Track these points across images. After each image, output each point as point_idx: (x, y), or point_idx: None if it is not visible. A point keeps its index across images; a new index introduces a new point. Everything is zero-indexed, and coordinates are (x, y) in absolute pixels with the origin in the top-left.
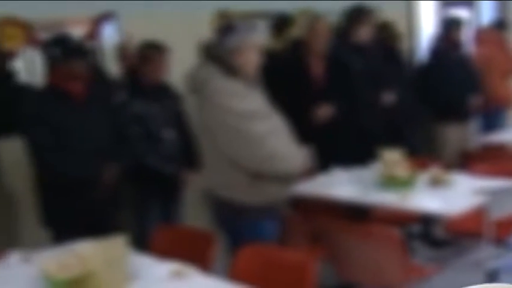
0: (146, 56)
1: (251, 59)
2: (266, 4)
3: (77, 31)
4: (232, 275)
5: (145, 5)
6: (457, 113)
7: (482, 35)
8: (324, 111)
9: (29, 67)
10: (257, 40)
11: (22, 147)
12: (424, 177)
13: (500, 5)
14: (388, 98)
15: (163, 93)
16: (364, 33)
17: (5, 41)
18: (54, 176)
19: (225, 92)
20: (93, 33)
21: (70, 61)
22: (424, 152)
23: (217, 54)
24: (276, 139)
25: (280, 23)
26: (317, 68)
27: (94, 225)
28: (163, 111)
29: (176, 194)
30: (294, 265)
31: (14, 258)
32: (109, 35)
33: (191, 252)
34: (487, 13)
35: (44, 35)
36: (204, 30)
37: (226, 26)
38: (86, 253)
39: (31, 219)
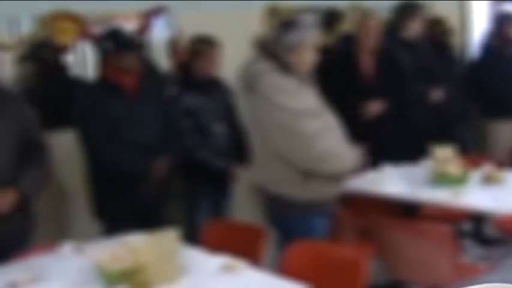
0: (197, 51)
1: (307, 57)
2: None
3: (128, 25)
4: (282, 270)
5: (196, 1)
6: (510, 110)
7: None
8: (375, 107)
9: (82, 61)
10: (315, 38)
11: (74, 141)
12: (476, 175)
13: None
14: (437, 94)
15: (215, 88)
16: (414, 29)
17: (58, 35)
18: (106, 169)
19: (278, 88)
20: (144, 27)
21: (122, 54)
22: (475, 150)
23: (273, 50)
24: (328, 138)
25: (331, 18)
26: (368, 64)
27: (145, 218)
28: (214, 105)
29: (226, 188)
30: (346, 262)
31: (67, 249)
32: (160, 30)
33: (241, 246)
34: None
35: (96, 29)
36: (254, 26)
37: (287, 21)
38: (138, 245)
39: (83, 212)
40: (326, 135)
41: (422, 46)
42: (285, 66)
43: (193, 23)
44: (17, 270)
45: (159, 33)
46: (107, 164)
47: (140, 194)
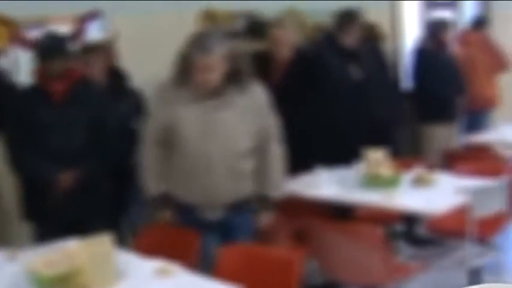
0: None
1: (195, 76)
2: (253, 4)
3: (63, 29)
4: (216, 272)
5: (132, 4)
6: (444, 113)
7: (465, 36)
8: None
9: (15, 66)
10: (201, 59)
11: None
12: (407, 177)
13: (482, 3)
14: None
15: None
16: (353, 36)
17: None
18: (22, 175)
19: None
20: (79, 31)
21: (49, 60)
22: (409, 153)
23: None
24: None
25: (256, 25)
26: (279, 73)
27: (74, 224)
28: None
29: None
30: (279, 263)
31: None
32: (95, 34)
33: (176, 250)
34: (469, 13)
35: (30, 34)
36: (190, 28)
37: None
38: (72, 250)
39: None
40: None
41: (365, 53)
42: (181, 79)
43: (129, 26)
44: None
45: (94, 37)
46: (21, 171)
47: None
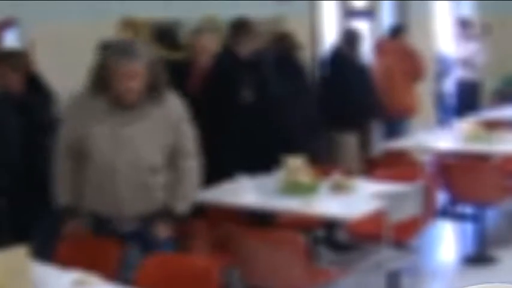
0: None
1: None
2: (172, 12)
3: None
4: (137, 283)
5: (49, 12)
6: (354, 121)
7: (382, 44)
8: None
9: None
10: (119, 66)
11: None
12: (326, 183)
13: (398, 12)
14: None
15: None
16: (249, 46)
17: None
18: None
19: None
20: None
21: None
22: (327, 160)
23: None
24: None
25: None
26: (196, 83)
27: None
28: None
29: None
30: (199, 271)
31: None
32: (11, 42)
33: (95, 260)
34: (387, 21)
35: None
36: (109, 36)
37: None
38: None
39: None
40: None
41: (265, 62)
42: (96, 89)
43: (46, 34)
44: None
45: (10, 45)
46: None
47: None
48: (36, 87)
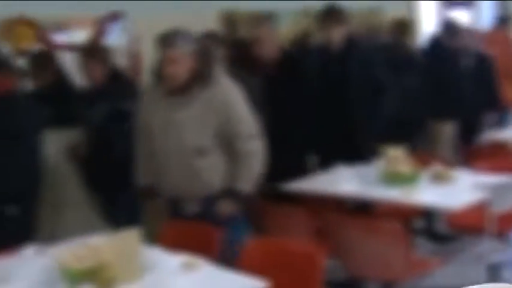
0: None
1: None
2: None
3: (83, 32)
4: (240, 266)
5: (154, 4)
6: (455, 111)
7: (490, 35)
8: None
9: None
10: (169, 54)
11: None
12: (426, 173)
13: (501, 3)
14: None
15: None
16: (338, 37)
17: (16, 40)
18: None
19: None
20: (100, 33)
21: None
22: (424, 149)
23: None
24: None
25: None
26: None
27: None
28: None
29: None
30: (303, 258)
31: (30, 250)
32: (117, 35)
33: (198, 244)
34: (487, 13)
35: (55, 37)
36: (212, 28)
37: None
38: (100, 245)
39: None
40: None
41: (365, 51)
42: (155, 77)
43: (151, 27)
44: None
45: (116, 39)
46: None
47: None
48: (117, 79)
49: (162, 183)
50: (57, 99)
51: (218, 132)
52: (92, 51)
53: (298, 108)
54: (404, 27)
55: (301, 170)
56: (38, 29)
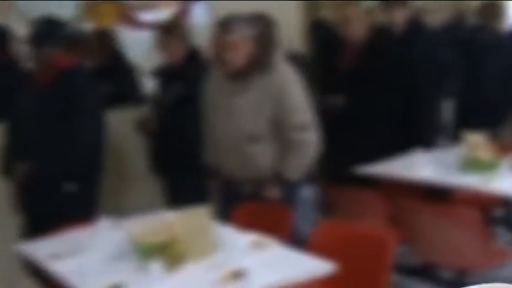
0: None
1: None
2: None
3: (167, 11)
4: (310, 247)
5: None
6: None
7: None
8: (335, 101)
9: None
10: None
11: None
12: (507, 161)
13: None
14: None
15: None
16: (399, 17)
17: (98, 18)
18: None
19: None
20: (183, 12)
21: (38, 47)
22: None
23: None
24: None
25: None
26: (347, 56)
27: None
28: None
29: None
30: (373, 242)
31: (105, 223)
32: (200, 16)
33: (269, 224)
34: None
35: (141, 16)
36: (291, 14)
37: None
38: (172, 220)
39: None
40: None
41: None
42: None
43: (234, 9)
44: (57, 243)
45: (200, 19)
46: None
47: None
48: (194, 59)
49: (219, 164)
50: (114, 77)
51: (272, 120)
52: (170, 29)
53: (375, 91)
54: (493, 10)
55: (373, 154)
56: (123, 8)
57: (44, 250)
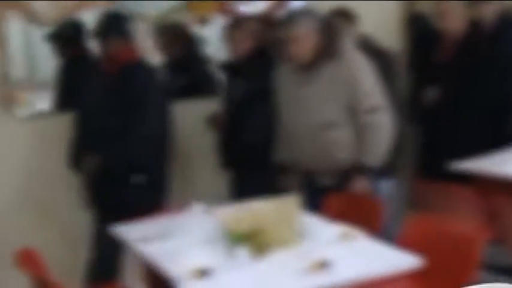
0: None
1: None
2: None
3: (265, 2)
4: (399, 241)
5: None
6: None
7: None
8: (430, 92)
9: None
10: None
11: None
12: None
13: None
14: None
15: None
16: (487, 12)
17: (199, 11)
18: None
19: None
20: (277, 5)
21: (104, 40)
22: None
23: None
24: None
25: None
26: (445, 51)
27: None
28: None
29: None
30: (462, 237)
31: (197, 209)
32: (298, 4)
33: (360, 217)
34: None
35: (234, 6)
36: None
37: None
38: (260, 209)
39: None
40: None
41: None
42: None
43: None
44: (150, 227)
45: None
46: None
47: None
48: (261, 54)
49: (294, 158)
50: (188, 70)
51: (345, 107)
52: (237, 24)
53: (471, 85)
54: None
55: (465, 149)
56: (223, 1)
57: (137, 233)
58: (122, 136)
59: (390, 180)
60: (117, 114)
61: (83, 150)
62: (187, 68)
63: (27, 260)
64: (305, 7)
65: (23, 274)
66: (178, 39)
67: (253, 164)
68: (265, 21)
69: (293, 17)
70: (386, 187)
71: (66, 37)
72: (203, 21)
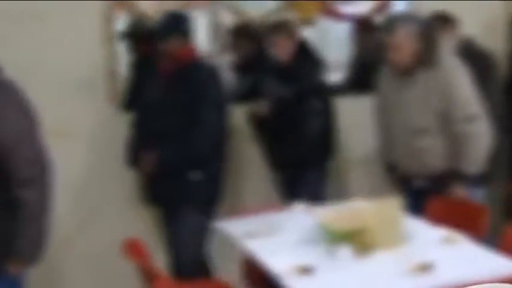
0: None
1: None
2: None
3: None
4: (502, 248)
5: None
6: None
7: None
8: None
9: (324, 38)
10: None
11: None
12: None
13: None
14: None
15: None
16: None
17: (304, 11)
18: None
19: None
20: (383, 4)
21: (163, 40)
22: None
23: None
24: None
25: None
26: None
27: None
28: None
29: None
30: None
31: (298, 208)
32: (401, 5)
33: (463, 222)
34: None
35: (338, 7)
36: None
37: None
38: (362, 209)
39: None
40: None
41: None
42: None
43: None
44: (253, 223)
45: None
46: None
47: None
48: (305, 55)
49: (393, 159)
50: (252, 71)
51: (439, 113)
52: (280, 27)
53: None
54: None
55: None
56: (325, 1)
57: (241, 229)
58: (182, 135)
59: (484, 188)
60: (177, 113)
61: (141, 148)
62: (250, 69)
63: (134, 250)
64: (406, 11)
65: (129, 264)
66: (245, 40)
67: (312, 162)
68: (364, 24)
69: (393, 22)
70: (480, 195)
71: (139, 35)
72: (307, 22)
